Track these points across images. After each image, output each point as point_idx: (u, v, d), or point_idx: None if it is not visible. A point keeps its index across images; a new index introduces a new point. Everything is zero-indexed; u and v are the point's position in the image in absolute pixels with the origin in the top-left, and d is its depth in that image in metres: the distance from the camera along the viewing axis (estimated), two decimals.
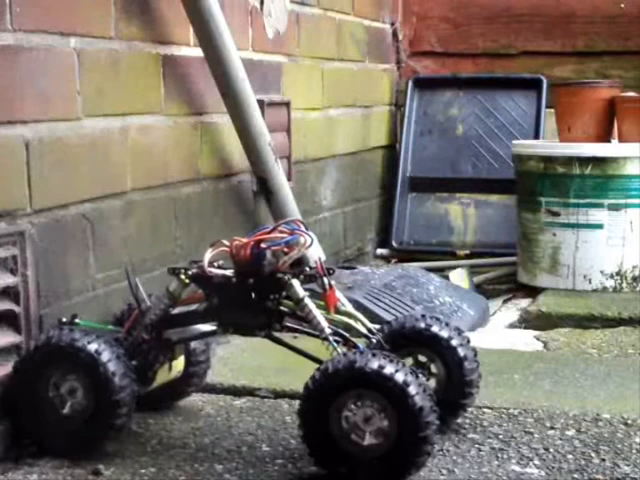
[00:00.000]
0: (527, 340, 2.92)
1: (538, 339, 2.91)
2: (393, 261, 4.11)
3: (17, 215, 1.94)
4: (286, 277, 1.86)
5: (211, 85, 2.61)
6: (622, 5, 4.18)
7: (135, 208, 2.36)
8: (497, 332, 3.06)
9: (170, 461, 1.88)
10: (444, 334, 1.98)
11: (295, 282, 1.86)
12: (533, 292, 3.51)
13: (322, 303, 1.90)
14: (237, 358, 2.52)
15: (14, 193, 1.94)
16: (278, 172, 2.77)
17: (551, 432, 2.01)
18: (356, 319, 1.95)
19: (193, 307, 1.96)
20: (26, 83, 1.96)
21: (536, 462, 1.86)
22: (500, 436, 2.00)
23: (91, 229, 2.18)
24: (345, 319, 1.93)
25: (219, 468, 1.85)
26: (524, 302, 3.43)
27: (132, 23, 2.34)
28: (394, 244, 4.18)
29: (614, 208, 3.42)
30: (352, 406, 1.71)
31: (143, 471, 1.83)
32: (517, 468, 1.84)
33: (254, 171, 2.80)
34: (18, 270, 1.94)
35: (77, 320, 1.96)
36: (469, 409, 2.07)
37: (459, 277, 3.55)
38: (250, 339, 2.45)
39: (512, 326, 3.16)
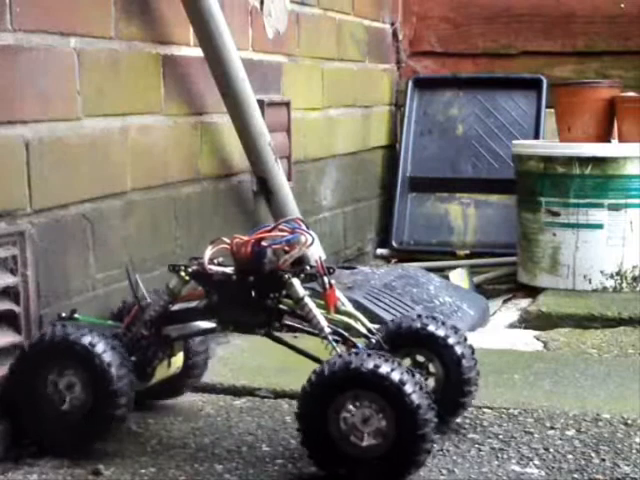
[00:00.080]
0: (527, 340, 2.92)
1: (538, 339, 2.91)
2: (393, 261, 4.11)
3: (17, 215, 1.94)
4: (286, 276, 1.86)
5: (211, 85, 2.61)
6: (622, 5, 4.18)
7: (135, 208, 2.36)
8: (497, 332, 3.06)
9: (170, 461, 1.88)
10: (440, 333, 1.98)
11: (295, 281, 1.86)
12: (533, 292, 3.51)
13: (322, 302, 1.90)
14: (237, 358, 2.52)
15: (14, 193, 1.94)
16: (278, 172, 2.78)
17: (551, 432, 2.01)
18: (356, 319, 1.95)
19: (193, 304, 1.96)
20: (26, 83, 1.96)
21: (536, 462, 1.86)
22: (500, 436, 2.00)
23: (91, 229, 2.18)
24: (345, 319, 1.93)
25: (219, 468, 1.85)
26: (524, 302, 3.43)
27: (132, 23, 2.34)
28: (394, 244, 4.18)
29: (614, 208, 3.42)
30: (350, 407, 1.71)
31: (143, 471, 1.83)
32: (517, 468, 1.84)
33: (254, 171, 2.80)
34: (18, 270, 1.94)
35: (76, 315, 1.96)
36: (469, 408, 2.07)
37: (459, 277, 3.55)
38: (250, 339, 2.45)
39: (512, 326, 3.16)
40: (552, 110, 3.79)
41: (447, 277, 3.47)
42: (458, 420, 2.04)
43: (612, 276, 3.44)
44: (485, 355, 2.36)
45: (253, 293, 1.89)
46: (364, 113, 4.04)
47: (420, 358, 1.99)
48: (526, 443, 1.96)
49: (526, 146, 3.69)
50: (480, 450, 1.93)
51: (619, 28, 4.18)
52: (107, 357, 1.84)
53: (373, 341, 1.94)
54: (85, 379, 1.85)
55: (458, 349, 1.97)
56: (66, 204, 2.09)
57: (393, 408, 1.68)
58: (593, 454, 1.89)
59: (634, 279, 3.45)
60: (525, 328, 3.12)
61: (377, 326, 2.02)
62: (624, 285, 3.44)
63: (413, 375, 1.71)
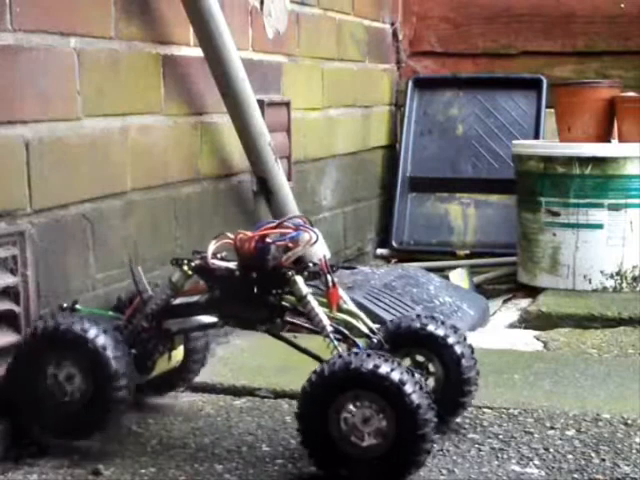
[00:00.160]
0: (527, 340, 2.92)
1: (538, 339, 2.91)
2: (393, 261, 4.11)
3: (17, 215, 1.94)
4: (290, 273, 1.86)
5: (211, 85, 2.61)
6: (622, 5, 4.18)
7: (135, 208, 2.36)
8: (497, 332, 3.06)
9: (170, 461, 1.88)
10: (440, 332, 1.98)
11: (299, 278, 1.86)
12: (533, 292, 3.51)
13: (324, 300, 1.89)
14: (237, 358, 2.52)
15: (14, 193, 1.94)
16: (278, 172, 2.78)
17: (551, 432, 2.01)
18: (358, 318, 1.94)
19: (195, 298, 1.95)
20: (26, 83, 1.96)
21: (536, 462, 1.86)
22: (500, 436, 2.00)
23: (91, 229, 2.18)
24: (347, 317, 1.92)
25: (219, 468, 1.85)
26: (524, 302, 3.43)
27: (132, 23, 2.34)
28: (394, 244, 4.18)
29: (614, 208, 3.42)
30: (350, 407, 1.71)
31: (143, 471, 1.83)
32: (517, 468, 1.84)
33: (254, 171, 2.80)
34: (18, 270, 1.94)
35: (78, 306, 1.96)
36: (469, 408, 2.07)
37: (459, 277, 3.55)
38: (250, 339, 2.45)
39: (512, 326, 3.16)
40: (552, 110, 3.79)
41: (447, 277, 3.47)
42: (458, 420, 2.04)
43: (612, 276, 3.44)
44: (485, 355, 2.36)
45: (256, 289, 1.89)
46: (364, 113, 4.04)
47: (420, 358, 1.99)
48: (526, 443, 1.96)
49: (526, 146, 3.69)
50: (480, 450, 1.93)
51: (619, 28, 4.18)
52: (101, 340, 1.82)
53: (375, 340, 1.94)
54: (83, 366, 1.84)
55: (458, 349, 1.97)
56: (66, 204, 2.09)
57: (393, 408, 1.68)
58: (593, 454, 1.89)
59: (634, 279, 3.45)
60: (525, 328, 3.12)
61: (377, 326, 2.02)
62: (624, 285, 3.44)
63: (413, 375, 1.71)
